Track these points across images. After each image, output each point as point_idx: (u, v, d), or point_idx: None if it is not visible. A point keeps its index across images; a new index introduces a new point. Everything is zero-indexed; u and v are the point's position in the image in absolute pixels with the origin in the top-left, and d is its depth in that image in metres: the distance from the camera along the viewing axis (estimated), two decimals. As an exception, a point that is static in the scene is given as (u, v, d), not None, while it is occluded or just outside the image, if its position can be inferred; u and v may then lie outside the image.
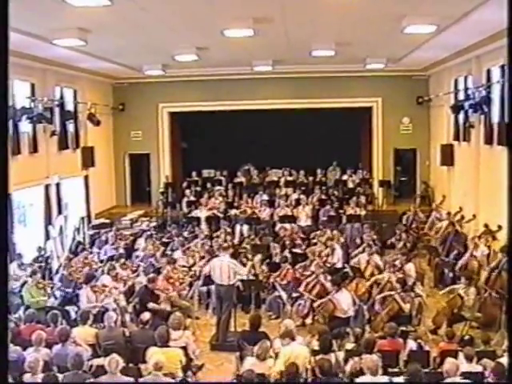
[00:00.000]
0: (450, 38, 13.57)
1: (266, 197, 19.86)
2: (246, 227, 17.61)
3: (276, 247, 14.78)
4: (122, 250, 15.08)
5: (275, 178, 21.67)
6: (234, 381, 7.69)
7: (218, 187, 21.08)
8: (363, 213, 18.10)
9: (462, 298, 11.20)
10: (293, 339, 8.61)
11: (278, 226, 17.48)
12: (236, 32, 12.24)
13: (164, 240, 16.27)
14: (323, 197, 19.60)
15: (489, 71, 15.01)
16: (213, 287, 12.70)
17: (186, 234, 16.77)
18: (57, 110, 16.81)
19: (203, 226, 17.93)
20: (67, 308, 11.38)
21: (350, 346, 8.92)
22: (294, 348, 8.35)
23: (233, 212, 18.83)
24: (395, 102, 21.46)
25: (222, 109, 21.85)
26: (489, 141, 14.99)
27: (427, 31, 12.44)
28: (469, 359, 7.99)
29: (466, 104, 16.08)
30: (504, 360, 7.36)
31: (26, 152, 15.40)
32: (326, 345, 8.30)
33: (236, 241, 16.45)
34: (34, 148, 15.76)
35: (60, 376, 7.38)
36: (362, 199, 19.46)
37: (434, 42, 14.16)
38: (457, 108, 17.14)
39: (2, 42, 4.10)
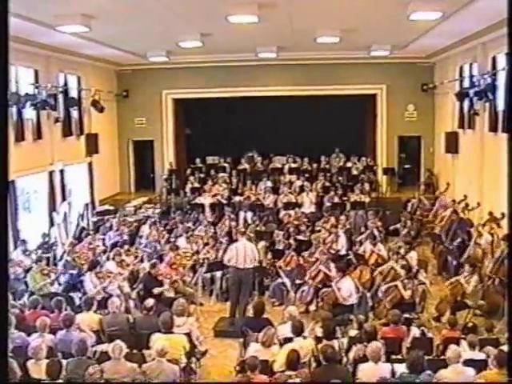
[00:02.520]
0: (456, 25, 13.50)
1: (269, 184, 19.88)
2: (249, 214, 17.60)
3: (280, 234, 14.78)
4: (126, 237, 15.12)
5: (279, 165, 21.68)
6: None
7: (221, 174, 21.11)
8: (367, 200, 18.09)
9: (467, 283, 11.21)
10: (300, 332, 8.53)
11: (282, 212, 17.50)
12: (240, 18, 12.19)
13: (168, 227, 16.29)
14: (327, 184, 19.62)
15: (494, 58, 14.93)
16: (217, 274, 12.76)
17: (189, 220, 16.77)
18: (61, 97, 16.76)
19: (207, 212, 17.96)
20: (71, 294, 11.41)
21: (353, 332, 8.95)
22: (300, 342, 8.32)
23: (237, 199, 18.86)
24: (400, 89, 21.39)
25: (226, 95, 21.82)
26: (493, 128, 14.96)
27: (433, 18, 12.37)
28: (472, 346, 8.01)
29: (471, 91, 16.03)
30: (506, 347, 7.38)
31: (30, 139, 15.40)
32: (329, 331, 8.31)
33: (240, 227, 16.45)
34: (38, 135, 15.77)
35: (64, 362, 7.41)
36: (366, 186, 19.49)
37: (439, 29, 14.08)
38: (462, 95, 17.08)
39: (3, 29, 4.08)
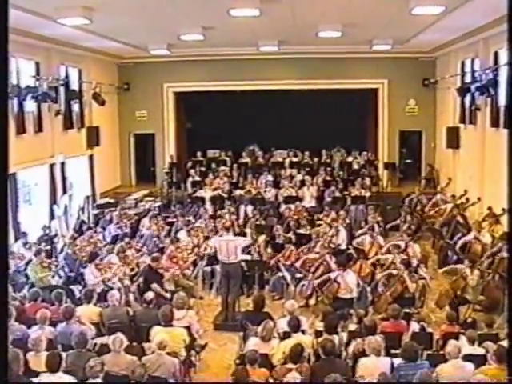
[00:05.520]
0: (458, 20, 13.47)
1: (270, 177, 19.86)
2: (250, 208, 17.61)
3: (280, 228, 14.78)
4: (126, 230, 15.13)
5: (280, 159, 21.65)
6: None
7: (222, 167, 21.07)
8: (368, 194, 18.09)
9: (466, 279, 11.19)
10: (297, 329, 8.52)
11: (283, 206, 17.50)
12: (242, 11, 12.18)
13: (168, 220, 16.30)
14: (328, 178, 19.59)
15: (496, 54, 14.91)
16: (217, 267, 12.75)
17: (190, 214, 16.77)
18: (62, 89, 16.70)
19: (208, 206, 17.96)
20: (72, 287, 11.44)
21: (353, 327, 8.96)
22: (299, 337, 8.33)
23: (237, 192, 18.85)
24: (401, 83, 21.35)
25: (228, 89, 21.82)
26: (495, 124, 14.94)
27: (435, 12, 12.35)
28: (471, 342, 8.01)
29: (473, 86, 16.00)
30: (506, 343, 7.39)
31: (31, 131, 15.39)
32: (331, 325, 8.32)
33: (240, 221, 16.47)
34: (39, 127, 15.76)
35: (64, 354, 7.41)
36: (367, 181, 19.46)
37: (441, 24, 14.05)
38: (463, 90, 17.06)
39: (3, 21, 4.07)
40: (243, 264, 12.44)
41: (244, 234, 14.00)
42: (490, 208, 14.20)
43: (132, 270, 12.51)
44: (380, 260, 12.21)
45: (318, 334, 8.49)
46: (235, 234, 12.86)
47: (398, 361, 7.39)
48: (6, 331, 4.91)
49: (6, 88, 4.55)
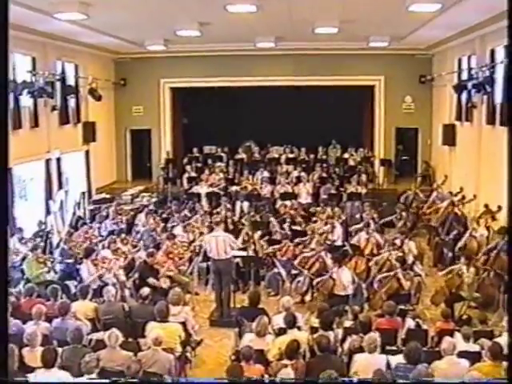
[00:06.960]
0: (455, 17, 13.47)
1: (266, 174, 19.86)
2: (246, 204, 17.61)
3: (276, 224, 14.78)
4: (122, 225, 15.12)
5: (276, 155, 21.67)
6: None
7: (218, 163, 21.08)
8: (364, 191, 18.11)
9: (461, 276, 11.20)
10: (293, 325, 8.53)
11: (279, 203, 17.49)
12: (239, 7, 12.18)
13: (164, 216, 16.28)
14: (324, 174, 19.61)
15: (493, 51, 14.91)
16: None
17: (186, 210, 16.76)
18: (58, 85, 16.67)
19: (203, 202, 17.96)
20: (67, 282, 11.42)
21: (348, 323, 8.97)
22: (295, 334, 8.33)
23: (233, 188, 18.84)
24: (398, 80, 21.35)
25: (224, 85, 21.78)
26: (491, 121, 14.96)
27: (432, 9, 12.36)
28: (466, 338, 8.03)
29: (469, 84, 16.02)
30: (501, 340, 7.42)
31: (27, 126, 15.35)
32: (326, 322, 8.33)
33: (236, 217, 16.46)
34: (35, 122, 15.72)
35: (59, 350, 7.42)
36: (363, 177, 19.49)
37: (438, 21, 14.06)
38: (460, 88, 17.06)
39: (2, 16, 4.07)
40: (239, 260, 12.46)
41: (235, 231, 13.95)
42: (486, 205, 14.21)
43: (126, 258, 12.52)
44: (376, 261, 12.18)
45: (313, 330, 8.50)
46: (228, 231, 12.83)
47: (393, 358, 7.41)
48: (6, 332, 4.90)
49: (6, 83, 4.53)
